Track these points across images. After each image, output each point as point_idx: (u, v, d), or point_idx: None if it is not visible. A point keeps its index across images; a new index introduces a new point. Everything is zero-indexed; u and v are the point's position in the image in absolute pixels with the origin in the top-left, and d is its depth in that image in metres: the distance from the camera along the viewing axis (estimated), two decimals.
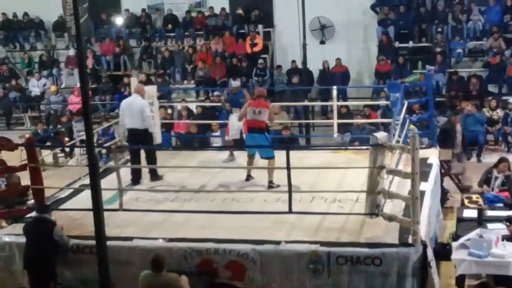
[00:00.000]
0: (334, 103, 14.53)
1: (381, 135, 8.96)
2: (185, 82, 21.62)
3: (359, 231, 8.80)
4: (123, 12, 23.60)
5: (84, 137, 8.86)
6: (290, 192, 9.21)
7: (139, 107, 11.23)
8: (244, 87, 12.89)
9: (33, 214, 9.51)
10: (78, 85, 17.64)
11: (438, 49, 19.99)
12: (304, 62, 18.05)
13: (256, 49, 21.58)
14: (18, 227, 9.33)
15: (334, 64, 20.72)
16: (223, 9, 22.79)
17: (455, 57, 20.22)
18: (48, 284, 8.78)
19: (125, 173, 10.85)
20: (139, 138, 11.23)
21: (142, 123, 11.16)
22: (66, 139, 17.81)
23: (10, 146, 10.48)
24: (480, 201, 11.29)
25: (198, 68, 21.08)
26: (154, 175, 11.45)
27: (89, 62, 21.53)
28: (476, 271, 9.08)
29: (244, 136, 11.95)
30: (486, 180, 12.11)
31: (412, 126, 12.08)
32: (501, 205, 11.23)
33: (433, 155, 12.10)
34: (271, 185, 10.72)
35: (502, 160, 12.25)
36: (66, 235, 8.90)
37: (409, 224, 8.29)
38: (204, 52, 21.67)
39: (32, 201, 10.23)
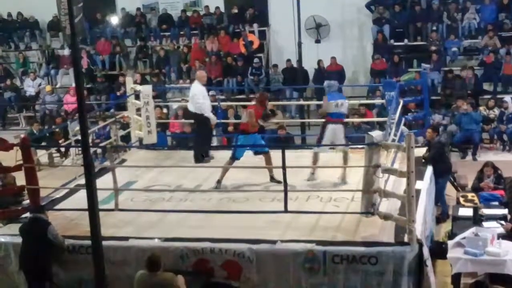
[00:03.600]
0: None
1: (376, 134, 8.97)
2: (181, 81, 21.59)
3: (355, 230, 8.80)
4: (119, 11, 23.57)
5: (80, 137, 8.83)
6: (285, 191, 9.20)
7: (193, 92, 12.35)
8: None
9: (28, 214, 9.48)
10: (73, 84, 17.61)
11: (433, 48, 20.02)
12: (300, 61, 18.06)
13: (253, 46, 21.57)
14: (14, 228, 9.31)
15: (329, 63, 20.72)
16: (217, 8, 22.78)
17: (450, 55, 20.26)
18: (44, 284, 8.78)
19: (121, 173, 10.82)
20: (192, 119, 12.88)
21: (193, 107, 12.36)
22: (62, 140, 17.76)
23: (5, 146, 10.43)
24: (476, 199, 11.32)
25: (194, 69, 21.04)
26: (198, 159, 12.18)
27: (84, 62, 21.49)
28: (472, 270, 9.11)
29: None
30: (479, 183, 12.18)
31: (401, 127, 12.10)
32: (496, 203, 11.27)
33: None
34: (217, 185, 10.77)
35: (484, 165, 12.31)
36: (61, 235, 8.89)
37: (404, 222, 8.30)
38: (199, 50, 21.66)
39: (28, 201, 10.21)
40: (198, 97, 12.26)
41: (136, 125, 13.39)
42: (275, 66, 21.22)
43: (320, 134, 11.00)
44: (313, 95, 20.79)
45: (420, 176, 10.28)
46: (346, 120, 15.26)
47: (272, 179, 10.80)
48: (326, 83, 11.54)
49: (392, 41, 21.12)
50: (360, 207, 8.92)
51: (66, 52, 22.06)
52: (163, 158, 12.76)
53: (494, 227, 9.79)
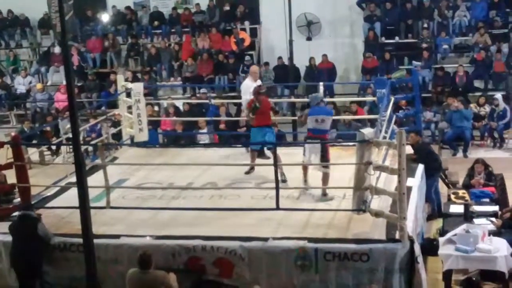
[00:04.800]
0: None
1: (367, 131, 8.98)
2: (172, 79, 21.55)
3: (347, 227, 8.83)
4: (109, 9, 23.49)
5: (71, 135, 8.81)
6: (277, 188, 9.21)
7: (241, 88, 12.39)
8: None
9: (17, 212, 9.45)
10: (64, 82, 17.55)
11: (424, 45, 20.07)
12: (291, 58, 18.06)
13: (245, 44, 21.56)
14: (4, 226, 9.27)
15: (321, 60, 20.73)
16: (211, 0, 22.74)
17: (441, 53, 20.29)
18: (34, 281, 8.75)
19: (112, 170, 10.79)
20: None
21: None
22: (53, 138, 17.70)
23: None
24: (467, 196, 11.35)
25: (186, 64, 21.03)
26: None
27: (75, 60, 21.42)
28: (463, 266, 9.14)
29: None
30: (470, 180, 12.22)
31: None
32: (487, 200, 11.30)
33: None
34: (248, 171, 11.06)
35: (475, 162, 12.34)
36: (51, 232, 8.86)
37: (396, 219, 8.32)
38: (192, 47, 21.65)
39: (18, 199, 10.18)
40: (243, 93, 12.19)
41: (127, 123, 13.34)
42: (267, 63, 21.19)
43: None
44: (305, 92, 20.77)
45: (411, 173, 10.31)
46: (337, 117, 15.18)
47: (282, 175, 10.36)
48: (309, 97, 10.83)
49: (383, 38, 21.14)
50: (352, 204, 8.93)
51: (57, 50, 21.99)
52: (155, 156, 12.74)
53: (485, 224, 9.83)
